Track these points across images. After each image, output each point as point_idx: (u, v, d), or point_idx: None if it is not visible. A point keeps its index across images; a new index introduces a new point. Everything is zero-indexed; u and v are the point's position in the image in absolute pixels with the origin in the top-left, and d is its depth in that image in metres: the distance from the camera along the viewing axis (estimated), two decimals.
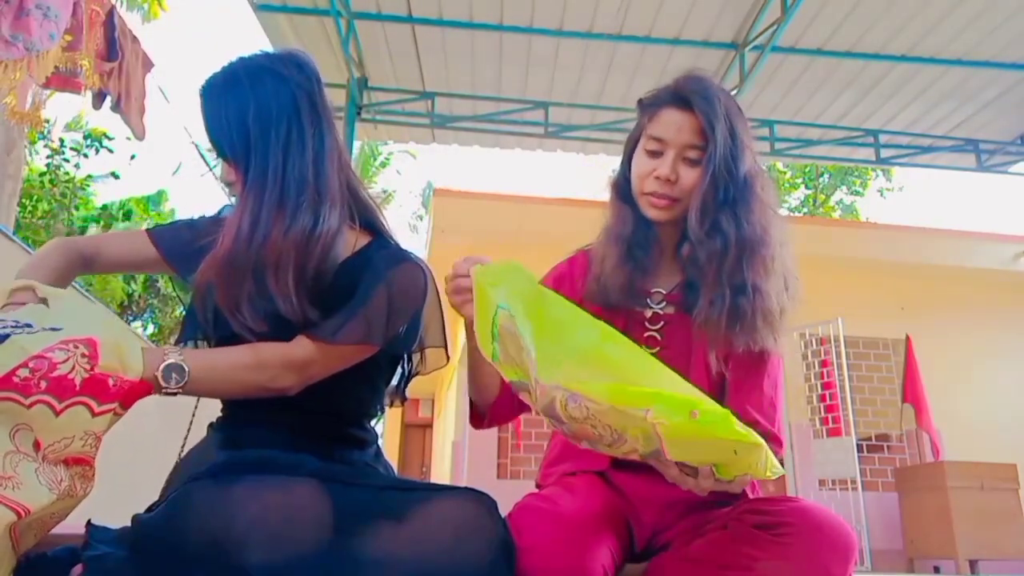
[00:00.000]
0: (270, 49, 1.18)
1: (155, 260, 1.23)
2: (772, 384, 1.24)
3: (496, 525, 0.95)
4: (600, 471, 1.22)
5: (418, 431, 14.39)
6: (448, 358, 1.24)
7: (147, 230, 1.23)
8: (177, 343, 1.16)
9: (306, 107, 1.11)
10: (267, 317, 1.06)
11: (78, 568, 0.91)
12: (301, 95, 1.11)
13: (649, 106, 1.26)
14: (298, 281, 1.06)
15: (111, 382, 0.92)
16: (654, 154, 1.23)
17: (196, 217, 1.29)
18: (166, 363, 0.96)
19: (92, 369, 0.90)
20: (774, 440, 1.18)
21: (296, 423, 1.13)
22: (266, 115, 1.08)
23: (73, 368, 0.89)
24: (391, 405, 1.28)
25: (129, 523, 0.97)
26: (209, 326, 1.13)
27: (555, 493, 1.14)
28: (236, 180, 1.12)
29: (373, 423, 1.26)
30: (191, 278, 1.15)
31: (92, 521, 0.98)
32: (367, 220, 1.20)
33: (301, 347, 1.06)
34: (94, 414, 0.91)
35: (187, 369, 0.97)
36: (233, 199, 1.19)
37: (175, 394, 0.97)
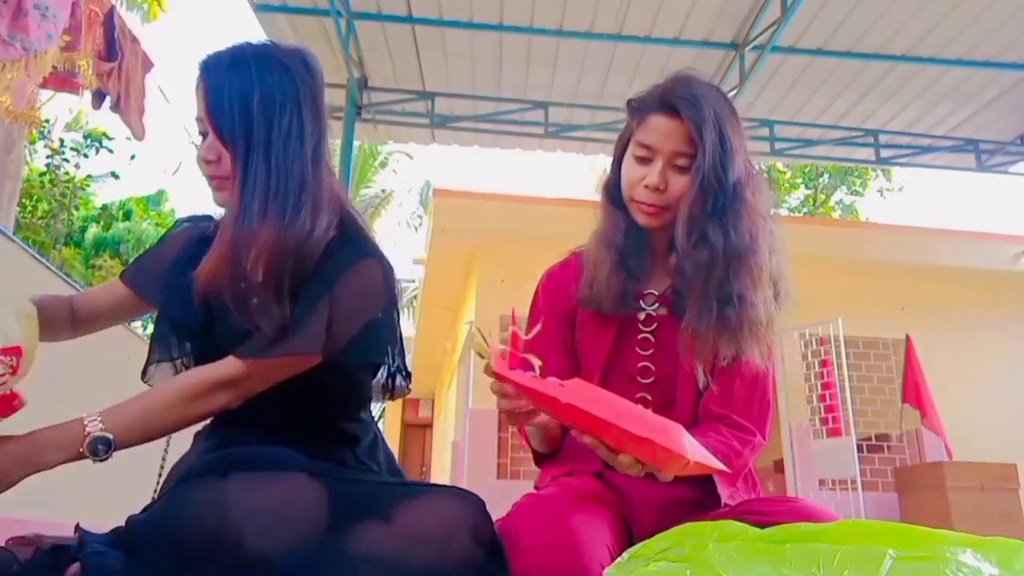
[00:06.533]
0: (277, 41, 1.15)
1: (134, 303, 1.19)
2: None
3: (485, 524, 0.94)
4: (598, 472, 1.22)
5: (418, 431, 14.39)
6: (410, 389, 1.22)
7: (121, 274, 1.20)
8: (148, 367, 1.17)
9: (308, 105, 1.09)
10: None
11: (74, 567, 0.90)
12: (305, 91, 1.09)
13: (637, 110, 1.24)
14: (283, 282, 1.03)
15: None
16: (643, 160, 1.21)
17: (158, 242, 1.24)
18: (90, 438, 0.93)
19: None
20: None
21: (284, 421, 1.11)
22: (271, 104, 1.04)
23: None
24: (383, 399, 1.25)
25: (122, 525, 0.96)
26: (194, 338, 1.11)
27: (553, 493, 1.14)
28: (221, 162, 1.07)
29: (366, 414, 1.23)
30: (168, 309, 1.15)
31: (80, 525, 0.97)
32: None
33: (231, 366, 1.02)
34: None
35: (112, 438, 0.95)
36: (206, 179, 1.10)
37: (106, 459, 0.95)
